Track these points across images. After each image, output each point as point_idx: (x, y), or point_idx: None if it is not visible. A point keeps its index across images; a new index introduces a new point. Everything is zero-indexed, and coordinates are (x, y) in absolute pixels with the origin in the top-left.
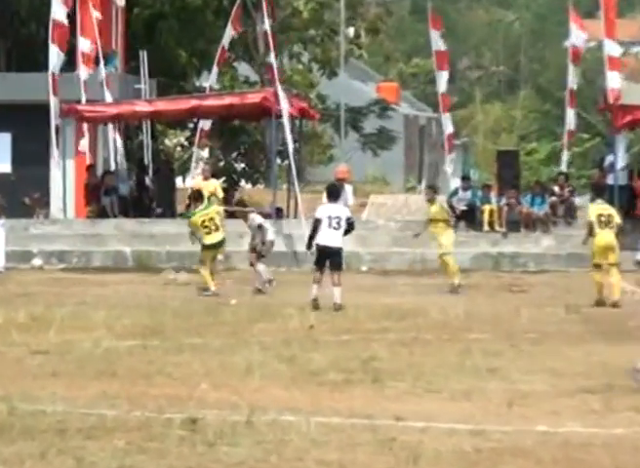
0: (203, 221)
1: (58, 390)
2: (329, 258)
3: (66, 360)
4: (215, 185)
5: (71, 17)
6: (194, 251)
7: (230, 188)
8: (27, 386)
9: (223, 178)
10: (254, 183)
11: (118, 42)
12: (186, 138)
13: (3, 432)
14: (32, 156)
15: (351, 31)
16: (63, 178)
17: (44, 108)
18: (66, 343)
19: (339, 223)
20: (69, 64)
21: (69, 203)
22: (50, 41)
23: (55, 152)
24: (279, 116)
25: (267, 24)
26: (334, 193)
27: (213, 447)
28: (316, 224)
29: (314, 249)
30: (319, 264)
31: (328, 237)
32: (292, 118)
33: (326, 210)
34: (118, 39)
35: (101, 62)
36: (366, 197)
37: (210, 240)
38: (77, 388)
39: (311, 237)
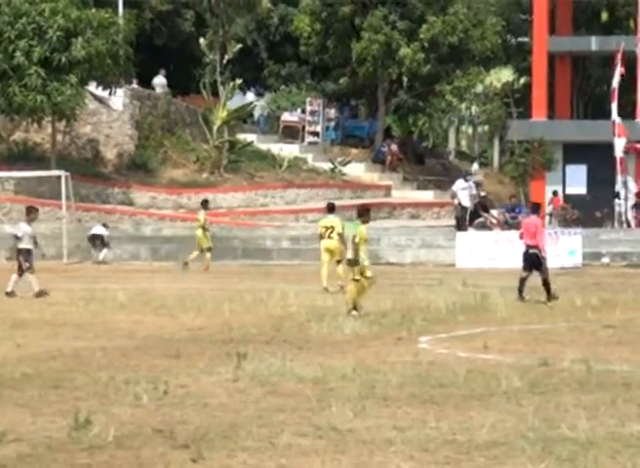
0: None
1: (623, 355)
2: None
3: (630, 332)
4: None
5: None
6: None
7: None
8: (600, 352)
9: None
10: None
11: None
12: None
13: (582, 385)
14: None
15: None
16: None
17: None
18: (629, 320)
19: None
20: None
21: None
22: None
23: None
24: None
25: None
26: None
27: None
28: None
29: None
30: None
31: None
32: None
33: None
34: None
35: None
36: None
37: None
38: (639, 353)
39: None
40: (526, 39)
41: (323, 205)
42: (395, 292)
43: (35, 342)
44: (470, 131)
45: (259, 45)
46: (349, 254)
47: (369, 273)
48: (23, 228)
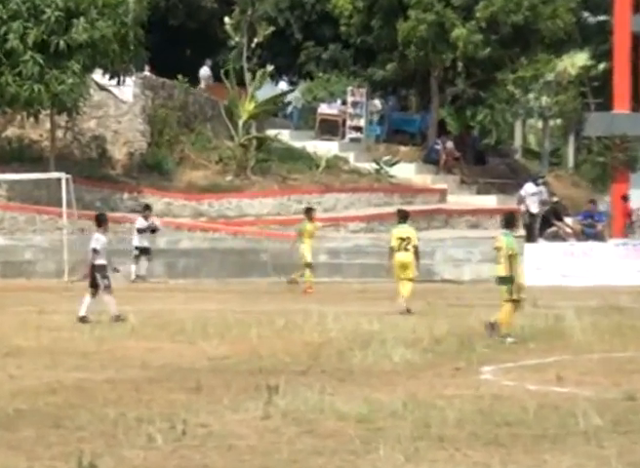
0: None
1: None
2: None
3: None
4: None
5: None
6: None
7: None
8: None
9: None
10: None
11: None
12: None
13: None
14: None
15: None
16: None
17: None
18: None
19: None
20: None
21: None
22: None
23: None
24: None
25: None
26: None
27: None
28: None
29: None
30: None
31: None
32: None
33: None
34: None
35: None
36: None
37: None
38: None
39: None
40: (606, 18)
41: (366, 212)
42: (452, 315)
43: (32, 373)
44: (540, 125)
45: (291, 25)
46: (503, 272)
47: (523, 295)
48: (101, 240)
